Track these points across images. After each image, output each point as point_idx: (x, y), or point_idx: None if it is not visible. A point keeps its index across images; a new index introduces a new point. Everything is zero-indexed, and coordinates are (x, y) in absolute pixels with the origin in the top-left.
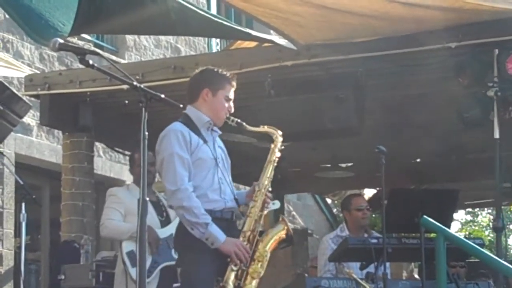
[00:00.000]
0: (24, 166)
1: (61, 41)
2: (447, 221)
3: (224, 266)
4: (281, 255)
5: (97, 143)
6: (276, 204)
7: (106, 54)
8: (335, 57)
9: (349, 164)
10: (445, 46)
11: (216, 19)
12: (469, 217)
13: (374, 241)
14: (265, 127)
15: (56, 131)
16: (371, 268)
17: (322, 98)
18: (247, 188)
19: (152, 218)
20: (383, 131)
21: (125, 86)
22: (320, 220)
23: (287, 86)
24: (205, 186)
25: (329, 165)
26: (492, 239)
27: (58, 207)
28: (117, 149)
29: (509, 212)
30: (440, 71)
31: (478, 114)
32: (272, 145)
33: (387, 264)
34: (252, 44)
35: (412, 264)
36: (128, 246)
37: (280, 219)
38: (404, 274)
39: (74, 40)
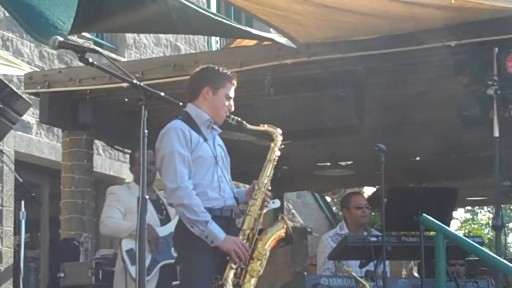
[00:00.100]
0: (23, 164)
1: (61, 39)
2: (447, 219)
3: (223, 264)
4: (281, 253)
5: (96, 141)
6: (277, 203)
7: (105, 52)
8: (335, 55)
9: (349, 162)
10: (445, 44)
11: (216, 18)
12: (468, 215)
13: (374, 239)
14: (265, 125)
15: (55, 129)
16: (370, 266)
17: (322, 96)
18: (247, 186)
19: (152, 216)
20: (383, 130)
21: (124, 84)
22: (319, 218)
23: (287, 84)
24: (204, 184)
25: (328, 163)
26: (492, 237)
27: (57, 205)
28: (116, 147)
29: (508, 211)
30: (440, 69)
31: (477, 112)
32: (272, 144)
33: (387, 262)
34: (252, 42)
35: (412, 262)
36: (127, 244)
37: (280, 217)
38: (404, 272)
39: (74, 38)
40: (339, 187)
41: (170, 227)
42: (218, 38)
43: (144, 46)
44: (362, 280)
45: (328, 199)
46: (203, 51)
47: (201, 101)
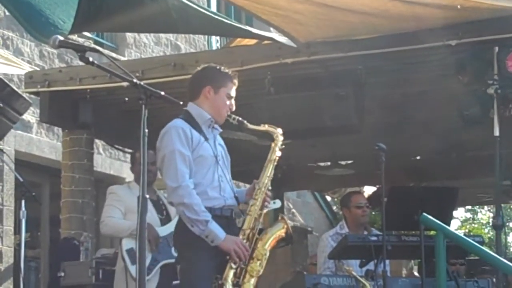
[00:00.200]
0: (23, 163)
1: (61, 38)
2: (447, 219)
3: (223, 264)
4: (281, 253)
5: (97, 140)
6: (277, 203)
7: (106, 51)
8: (335, 54)
9: (349, 162)
10: (445, 43)
11: (216, 17)
12: (468, 215)
13: (374, 238)
14: (266, 125)
15: (56, 128)
16: (370, 266)
17: (322, 95)
18: (247, 185)
19: (152, 216)
20: (383, 129)
21: (125, 83)
22: (319, 217)
23: (287, 84)
24: (205, 183)
25: (329, 163)
26: (492, 237)
27: (57, 204)
28: (117, 146)
29: (509, 210)
30: (440, 68)
31: (478, 111)
32: (273, 144)
33: (387, 261)
34: (252, 41)
35: (412, 261)
36: (127, 243)
37: (280, 217)
38: (404, 271)
39: (74, 37)
40: (339, 187)
41: (171, 227)
42: (218, 38)
43: (144, 45)
44: (363, 280)
45: (328, 198)
46: (203, 50)
47: (202, 100)
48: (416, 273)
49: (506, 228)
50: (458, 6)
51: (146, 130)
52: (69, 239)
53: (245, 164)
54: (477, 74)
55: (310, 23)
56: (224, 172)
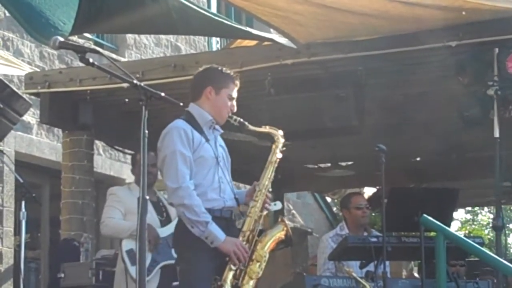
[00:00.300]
0: (24, 164)
1: (62, 39)
2: (447, 220)
3: (223, 265)
4: (281, 254)
5: (97, 141)
6: (278, 205)
7: (106, 53)
8: (335, 55)
9: (349, 163)
10: (446, 45)
11: (216, 18)
12: (469, 216)
13: (374, 239)
14: (267, 127)
15: (56, 129)
16: (370, 267)
17: (322, 96)
18: (247, 186)
19: (152, 217)
20: (383, 130)
21: (125, 84)
22: (320, 218)
23: (287, 85)
24: (205, 184)
25: (329, 164)
26: (492, 238)
27: (58, 205)
28: (117, 147)
29: (509, 211)
30: (440, 70)
31: (478, 113)
32: (273, 146)
33: (387, 262)
34: (252, 42)
35: (412, 262)
36: (127, 244)
37: (280, 219)
38: (404, 273)
39: (74, 38)
40: (340, 188)
41: (171, 228)
42: (218, 39)
43: (144, 47)
44: (363, 281)
45: (329, 199)
46: (203, 52)
47: (203, 101)
48: (416, 274)
49: (506, 229)
50: (463, 13)
51: (146, 131)
52: (69, 240)
53: (245, 165)
54: (477, 75)
55: (310, 24)
56: (225, 173)
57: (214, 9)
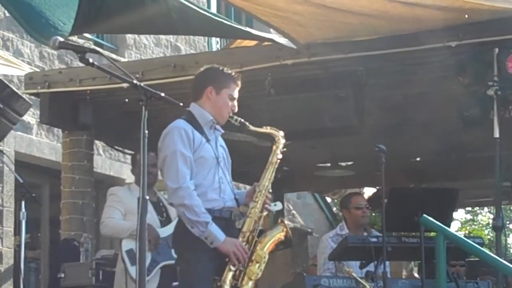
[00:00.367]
0: (24, 164)
1: (61, 39)
2: (447, 220)
3: (222, 266)
4: (281, 254)
5: (97, 142)
6: (278, 206)
7: (106, 53)
8: (335, 56)
9: (349, 163)
10: (446, 45)
11: (216, 18)
12: (469, 216)
13: (374, 239)
14: (268, 128)
15: (56, 129)
16: (371, 267)
17: (322, 97)
18: (247, 186)
19: (152, 217)
20: (383, 130)
21: (125, 85)
22: (320, 218)
23: (287, 85)
24: (206, 184)
25: (329, 164)
26: (492, 238)
27: (57, 205)
28: (117, 147)
29: (509, 211)
30: (440, 70)
31: (478, 113)
32: (274, 147)
33: (387, 263)
34: (252, 43)
35: (412, 263)
36: (127, 244)
37: (279, 221)
38: (404, 273)
39: (74, 38)
40: (340, 188)
41: (171, 228)
42: (218, 39)
43: (144, 47)
44: (363, 281)
45: (329, 199)
46: (203, 52)
47: (204, 100)
48: (416, 275)
49: (506, 229)
50: (466, 16)
51: (146, 131)
52: (69, 240)
53: (245, 165)
54: (477, 75)
55: (310, 24)
56: (225, 173)
57: (214, 9)
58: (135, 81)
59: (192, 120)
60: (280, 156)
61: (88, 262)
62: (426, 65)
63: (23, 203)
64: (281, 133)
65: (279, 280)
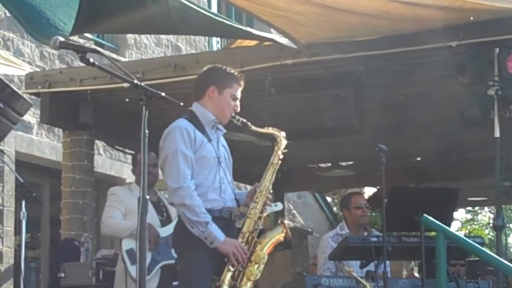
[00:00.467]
0: (24, 164)
1: (62, 39)
2: (447, 220)
3: (221, 265)
4: (281, 254)
5: (97, 141)
6: (279, 206)
7: (106, 52)
8: (336, 55)
9: (350, 163)
10: (446, 45)
11: (217, 18)
12: (469, 216)
13: (374, 239)
14: (270, 128)
15: (56, 129)
16: (371, 267)
17: (323, 96)
18: (247, 186)
19: (152, 217)
20: (383, 130)
21: (125, 84)
22: (320, 218)
23: (288, 85)
24: (206, 184)
25: (329, 164)
26: (492, 238)
27: (58, 205)
28: (117, 147)
29: (509, 211)
30: (440, 70)
31: (478, 112)
32: (276, 147)
33: (387, 262)
34: (253, 42)
35: (412, 262)
36: (127, 244)
37: (279, 222)
38: (404, 272)
39: (75, 38)
40: (340, 188)
41: (171, 228)
42: (219, 39)
43: (145, 46)
44: (363, 281)
45: (329, 199)
46: (204, 51)
47: (206, 100)
48: (416, 274)
49: (506, 229)
50: (471, 18)
51: (147, 131)
52: (70, 240)
53: (246, 165)
54: (478, 75)
55: (310, 24)
56: (226, 173)
57: (214, 9)
58: (135, 81)
59: (194, 120)
60: (281, 157)
61: (88, 261)
62: (427, 65)
63: (23, 202)
64: (283, 134)
65: (279, 279)
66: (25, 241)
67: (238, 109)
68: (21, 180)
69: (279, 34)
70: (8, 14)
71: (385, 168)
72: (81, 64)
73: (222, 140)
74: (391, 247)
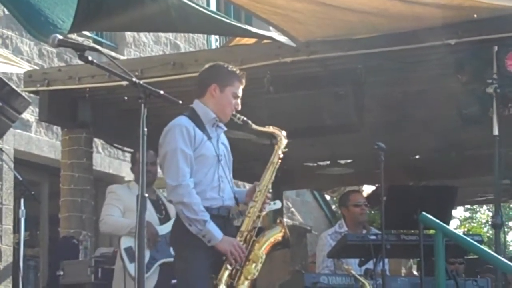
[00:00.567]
0: (23, 162)
1: (60, 37)
2: (446, 218)
3: (219, 263)
4: (279, 252)
5: (96, 139)
6: (277, 204)
7: (105, 50)
8: (335, 53)
9: (348, 161)
10: (445, 43)
11: (215, 16)
12: (468, 214)
13: (373, 237)
14: (271, 127)
15: (55, 127)
16: (370, 265)
17: (321, 94)
18: (246, 184)
19: (151, 215)
20: (382, 128)
21: (124, 82)
22: (319, 216)
23: (287, 83)
24: (205, 182)
25: (328, 162)
26: (491, 236)
27: (57, 203)
28: (116, 145)
29: (508, 209)
30: (439, 67)
31: (477, 110)
32: (276, 147)
33: (386, 260)
34: (252, 40)
35: (411, 260)
36: (126, 242)
37: (278, 221)
38: (403, 270)
39: (73, 36)
40: (339, 186)
41: (170, 226)
42: (217, 37)
43: (143, 44)
44: (362, 278)
45: (328, 197)
46: (202, 49)
47: (208, 98)
48: (415, 272)
49: (505, 227)
50: (475, 16)
51: (146, 129)
52: (68, 238)
53: (244, 163)
54: (476, 73)
55: (309, 22)
56: (225, 172)
57: (213, 7)
58: (134, 79)
59: (195, 117)
60: (281, 156)
61: (87, 259)
62: (425, 63)
63: (22, 201)
64: (284, 133)
65: (278, 278)
66: (24, 239)
67: (239, 107)
68: (20, 178)
69: (277, 32)
70: (6, 12)
71: (384, 166)
72: (80, 62)
73: (223, 138)
74: (390, 245)
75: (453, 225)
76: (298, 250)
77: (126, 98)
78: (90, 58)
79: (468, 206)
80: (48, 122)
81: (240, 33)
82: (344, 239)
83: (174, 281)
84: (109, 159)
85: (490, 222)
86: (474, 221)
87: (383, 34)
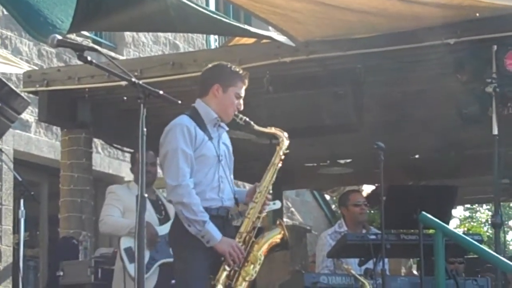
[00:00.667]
0: (22, 162)
1: (60, 37)
2: (446, 217)
3: (218, 264)
4: (279, 252)
5: (95, 140)
6: (277, 204)
7: (104, 51)
8: (334, 53)
9: (348, 161)
10: (444, 42)
11: (214, 16)
12: (467, 213)
13: (373, 237)
14: (273, 128)
15: (54, 127)
16: (369, 264)
17: (321, 94)
18: (245, 184)
19: (151, 215)
20: (382, 127)
21: (123, 83)
22: (318, 216)
23: (286, 83)
24: (205, 182)
25: (327, 162)
26: (491, 235)
27: (56, 204)
28: (115, 145)
29: (507, 208)
30: (438, 67)
31: (476, 110)
32: (277, 148)
33: (386, 260)
34: (251, 40)
35: (411, 260)
36: (126, 242)
37: (278, 222)
38: (403, 270)
39: (73, 36)
40: (338, 185)
41: (169, 227)
42: (216, 36)
43: (142, 44)
44: (361, 278)
45: (327, 197)
46: (201, 49)
47: (210, 98)
48: (415, 272)
49: (505, 226)
50: (477, 14)
51: (145, 129)
52: (68, 238)
53: (244, 163)
54: (476, 72)
55: (308, 21)
56: (226, 172)
57: (212, 6)
58: (133, 79)
59: (196, 117)
60: (283, 157)
61: (87, 260)
62: (425, 63)
63: (22, 201)
64: (286, 134)
65: (278, 277)
66: (24, 239)
67: (242, 108)
68: (19, 179)
69: (277, 32)
70: (5, 13)
71: (384, 165)
72: (79, 62)
73: (224, 138)
74: (390, 245)
75: (453, 225)
76: (298, 250)
77: (125, 98)
78: (89, 58)
79: (468, 205)
80: (48, 122)
81: (239, 33)
82: (344, 239)
83: (173, 281)
84: (108, 159)
85: (489, 222)
86: (474, 220)
87: (382, 34)
